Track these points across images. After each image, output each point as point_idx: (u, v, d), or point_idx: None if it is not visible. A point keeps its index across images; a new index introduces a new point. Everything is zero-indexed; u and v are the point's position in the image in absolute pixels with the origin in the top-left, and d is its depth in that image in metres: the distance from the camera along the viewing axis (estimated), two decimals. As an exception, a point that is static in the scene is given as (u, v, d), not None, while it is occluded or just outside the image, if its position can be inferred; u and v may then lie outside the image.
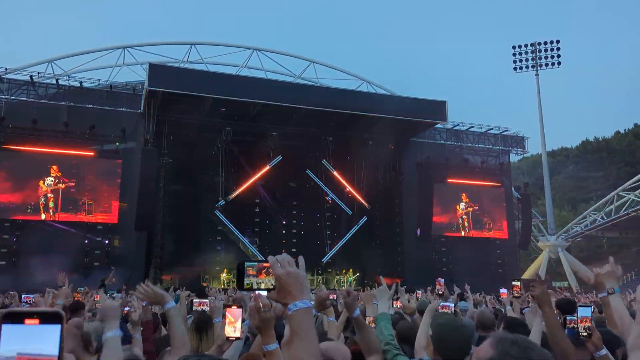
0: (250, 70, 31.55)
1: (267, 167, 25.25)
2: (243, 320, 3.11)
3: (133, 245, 22.28)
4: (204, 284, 20.15)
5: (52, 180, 22.32)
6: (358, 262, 27.34)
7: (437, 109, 25.95)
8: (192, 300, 5.68)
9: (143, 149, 22.33)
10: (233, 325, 2.99)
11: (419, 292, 11.61)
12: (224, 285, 22.64)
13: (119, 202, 22.91)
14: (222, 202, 24.55)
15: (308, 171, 26.26)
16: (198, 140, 24.95)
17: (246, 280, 1.65)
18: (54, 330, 0.77)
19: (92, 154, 22.96)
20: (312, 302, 1.66)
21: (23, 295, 8.21)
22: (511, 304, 6.65)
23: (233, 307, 3.06)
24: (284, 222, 27.91)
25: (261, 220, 27.09)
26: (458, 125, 30.04)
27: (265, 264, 1.63)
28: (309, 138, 26.84)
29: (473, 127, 30.61)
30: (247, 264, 1.66)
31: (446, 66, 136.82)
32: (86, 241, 22.50)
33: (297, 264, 1.60)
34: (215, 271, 24.60)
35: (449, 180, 28.24)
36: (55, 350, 0.76)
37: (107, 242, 22.93)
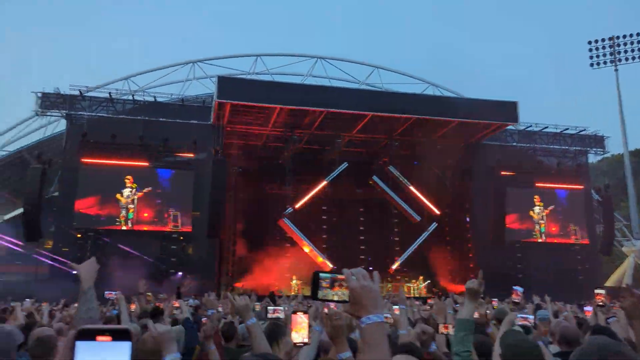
0: (314, 78, 31.94)
1: (334, 174, 25.30)
2: (310, 326, 3.12)
3: (206, 252, 22.99)
4: (275, 291, 20.43)
5: (130, 192, 23.53)
6: (428, 270, 26.79)
7: (508, 110, 24.97)
8: (266, 308, 5.78)
9: (213, 160, 23.04)
10: (300, 331, 3.02)
11: (494, 300, 11.19)
12: (294, 291, 22.86)
13: (191, 211, 23.79)
14: (289, 210, 24.85)
15: (375, 177, 26.05)
16: (265, 149, 25.46)
17: (320, 292, 1.65)
18: (124, 347, 0.78)
19: (165, 165, 24.03)
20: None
21: (105, 292, 8.66)
22: (595, 314, 6.27)
23: (299, 313, 3.10)
24: (351, 229, 27.80)
25: (328, 227, 27.12)
26: (531, 126, 28.82)
27: (339, 277, 1.65)
28: (375, 144, 26.69)
29: (547, 127, 29.24)
30: (321, 275, 1.67)
31: (516, 65, 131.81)
32: (162, 249, 23.50)
33: (371, 277, 1.61)
34: (285, 278, 24.90)
35: (523, 184, 27.11)
36: None
37: (181, 249, 23.86)
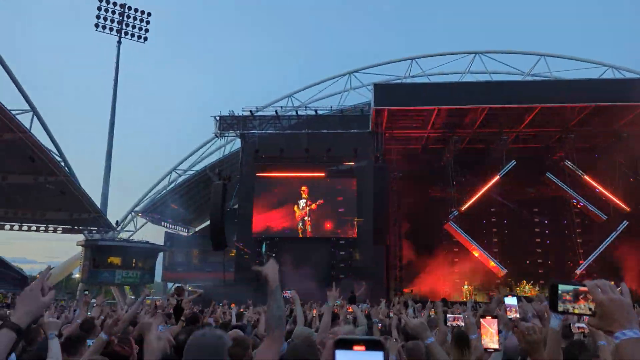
0: (473, 75, 30.68)
1: (501, 174, 23.85)
2: (500, 332, 2.96)
3: (372, 257, 23.28)
4: (446, 296, 19.88)
5: (304, 203, 25.00)
6: (619, 273, 23.71)
7: None
8: (446, 315, 5.60)
9: (374, 166, 23.31)
10: (490, 336, 2.88)
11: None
12: (465, 297, 21.99)
13: (356, 218, 24.40)
14: (455, 213, 24.03)
15: (549, 174, 23.90)
16: (426, 152, 25.04)
17: (560, 305, 1.59)
18: (378, 356, 0.85)
19: (329, 174, 25.07)
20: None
21: (289, 292, 9.45)
22: None
23: (488, 317, 2.95)
24: (524, 231, 25.89)
25: (499, 230, 25.63)
26: None
27: (582, 289, 1.57)
28: (545, 138, 24.61)
29: None
30: (561, 287, 1.59)
31: None
32: (332, 255, 24.46)
33: (620, 290, 1.52)
34: (455, 283, 24.07)
35: None
36: None
37: (349, 255, 24.61)
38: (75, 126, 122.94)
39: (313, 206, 24.80)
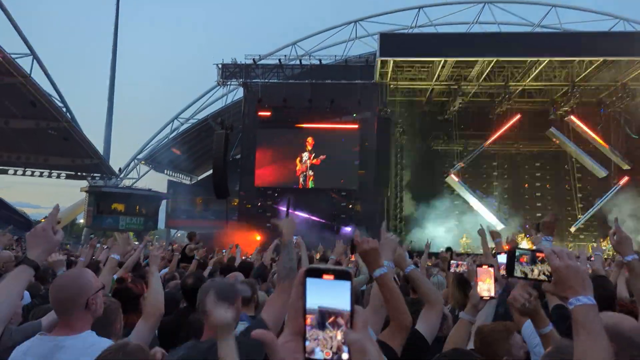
0: (482, 26, 29.91)
1: (505, 127, 23.74)
2: (496, 280, 3.06)
3: (373, 208, 23.50)
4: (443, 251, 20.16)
5: (307, 156, 24.94)
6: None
7: None
8: (449, 262, 5.73)
9: (378, 118, 23.18)
10: (486, 284, 2.98)
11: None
12: (464, 249, 22.33)
13: (358, 169, 24.46)
14: (457, 167, 24.09)
15: (552, 129, 23.79)
16: (430, 104, 24.82)
17: (517, 268, 1.66)
18: (346, 286, 0.86)
19: (332, 126, 24.91)
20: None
21: (294, 237, 9.70)
22: None
23: (484, 266, 3.05)
24: (526, 186, 26.03)
25: (500, 184, 25.74)
26: None
27: (539, 254, 1.62)
28: (551, 92, 24.33)
29: None
30: (519, 251, 1.67)
31: None
32: (332, 206, 24.67)
33: (577, 257, 1.59)
34: (454, 235, 24.41)
35: None
36: (347, 306, 0.85)
37: (349, 206, 24.82)
38: (76, 72, 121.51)
39: (316, 161, 24.76)
